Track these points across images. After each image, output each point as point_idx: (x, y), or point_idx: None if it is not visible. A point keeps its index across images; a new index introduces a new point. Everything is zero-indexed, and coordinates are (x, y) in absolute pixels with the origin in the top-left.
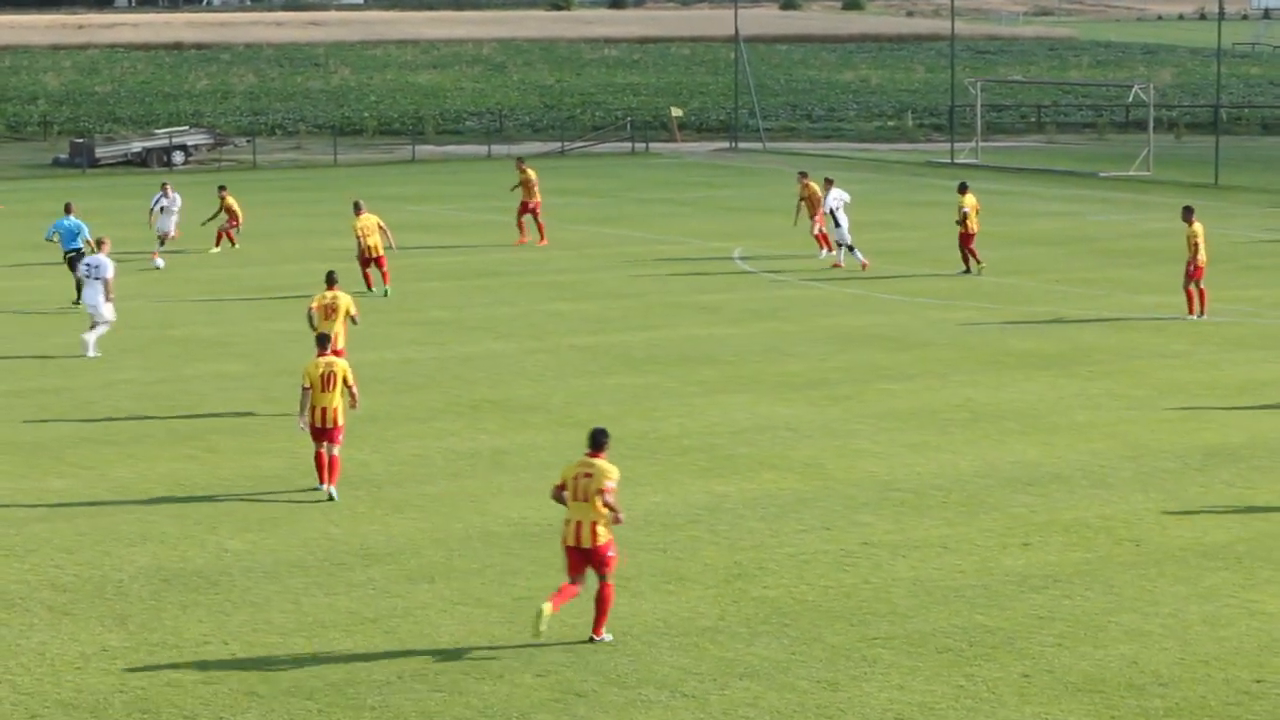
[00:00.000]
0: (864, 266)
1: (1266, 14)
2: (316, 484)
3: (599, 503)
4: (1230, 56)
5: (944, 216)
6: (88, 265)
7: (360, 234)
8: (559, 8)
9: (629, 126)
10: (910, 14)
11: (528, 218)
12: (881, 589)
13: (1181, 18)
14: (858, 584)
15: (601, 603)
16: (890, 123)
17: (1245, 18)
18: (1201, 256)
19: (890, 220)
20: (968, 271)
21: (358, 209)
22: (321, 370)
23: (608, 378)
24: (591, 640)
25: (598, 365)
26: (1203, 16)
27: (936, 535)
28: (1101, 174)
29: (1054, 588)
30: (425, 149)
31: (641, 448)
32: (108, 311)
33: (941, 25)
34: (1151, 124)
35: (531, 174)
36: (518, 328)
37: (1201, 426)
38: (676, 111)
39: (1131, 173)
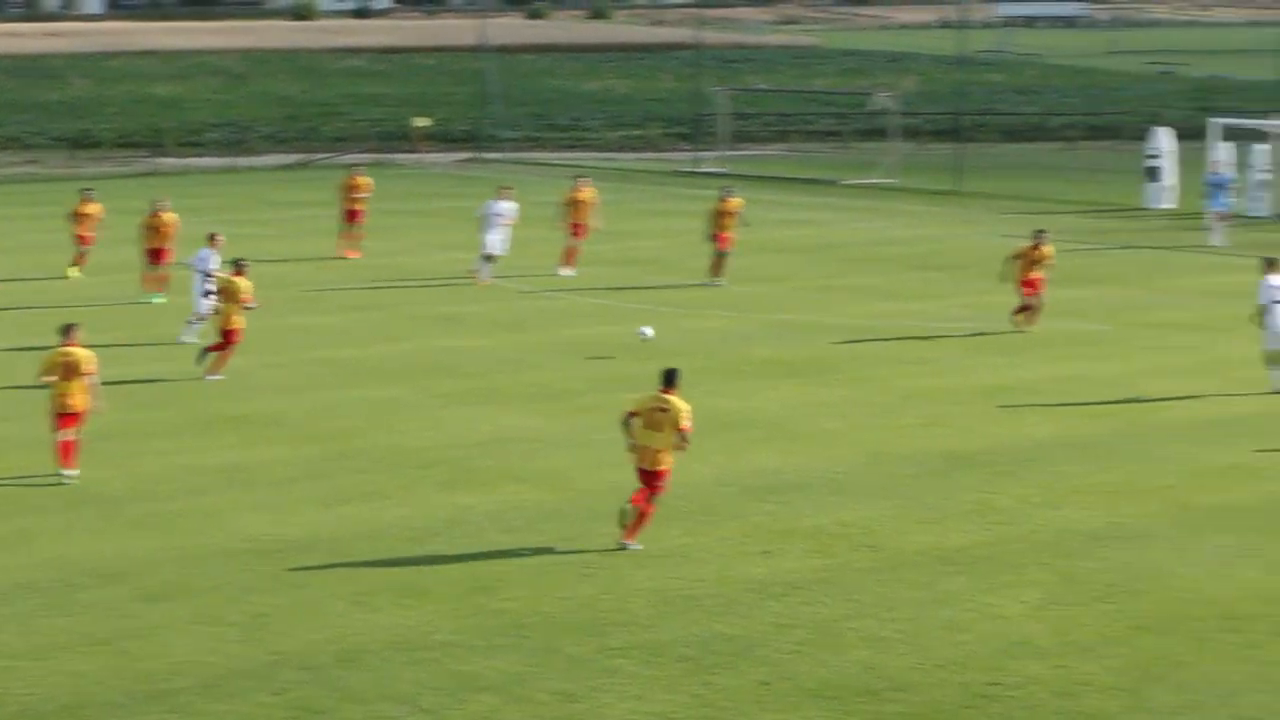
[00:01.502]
0: (480, 280)
1: (1009, 22)
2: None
3: (670, 434)
4: (973, 64)
5: (689, 225)
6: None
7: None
8: (302, 17)
9: (372, 137)
10: (657, 23)
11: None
12: (621, 599)
13: (925, 26)
14: (597, 595)
15: (642, 516)
16: (636, 132)
17: (988, 26)
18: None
19: (635, 229)
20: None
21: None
22: (61, 359)
23: (350, 391)
24: (622, 546)
25: (339, 379)
26: (946, 25)
27: (677, 545)
28: (845, 181)
29: (793, 595)
30: (166, 162)
31: (384, 461)
32: None
33: (688, 34)
34: (894, 132)
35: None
36: (257, 342)
37: (942, 432)
38: (422, 122)
39: (875, 180)
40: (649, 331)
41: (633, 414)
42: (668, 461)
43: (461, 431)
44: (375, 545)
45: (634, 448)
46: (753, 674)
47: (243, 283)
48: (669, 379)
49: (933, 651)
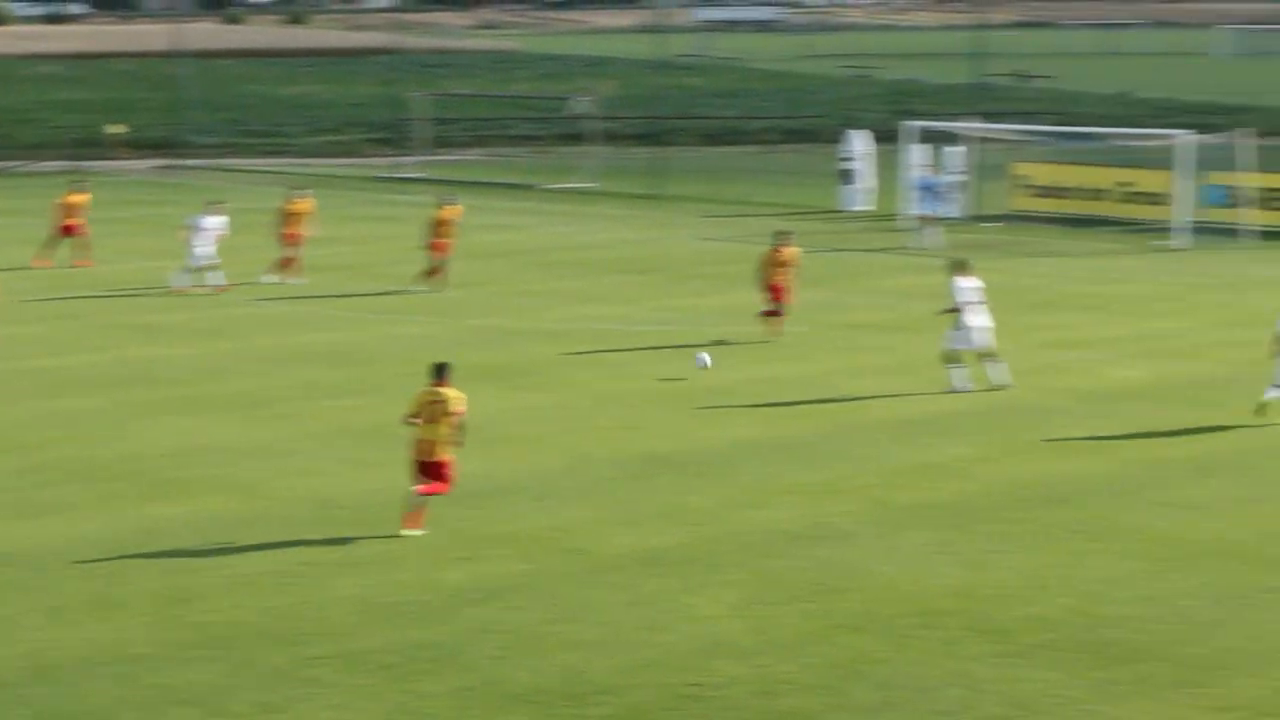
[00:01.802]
0: (181, 290)
1: (707, 26)
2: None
3: (446, 425)
4: (671, 68)
5: (391, 231)
6: None
7: None
8: None
9: (67, 144)
10: (355, 28)
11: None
12: (321, 608)
13: (624, 30)
14: (297, 604)
15: (434, 487)
16: (336, 137)
17: (686, 30)
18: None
19: (335, 235)
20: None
21: None
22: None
23: (45, 402)
24: (404, 533)
25: (35, 390)
26: (645, 29)
27: (378, 552)
28: (545, 186)
29: (495, 600)
30: None
31: (78, 473)
32: None
33: (387, 39)
34: (594, 136)
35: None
36: None
37: (642, 435)
38: (116, 128)
39: (575, 184)
40: (706, 359)
41: (412, 414)
42: (447, 452)
43: (158, 441)
44: (70, 558)
45: (414, 441)
46: (455, 680)
47: None
48: (440, 372)
49: (635, 653)
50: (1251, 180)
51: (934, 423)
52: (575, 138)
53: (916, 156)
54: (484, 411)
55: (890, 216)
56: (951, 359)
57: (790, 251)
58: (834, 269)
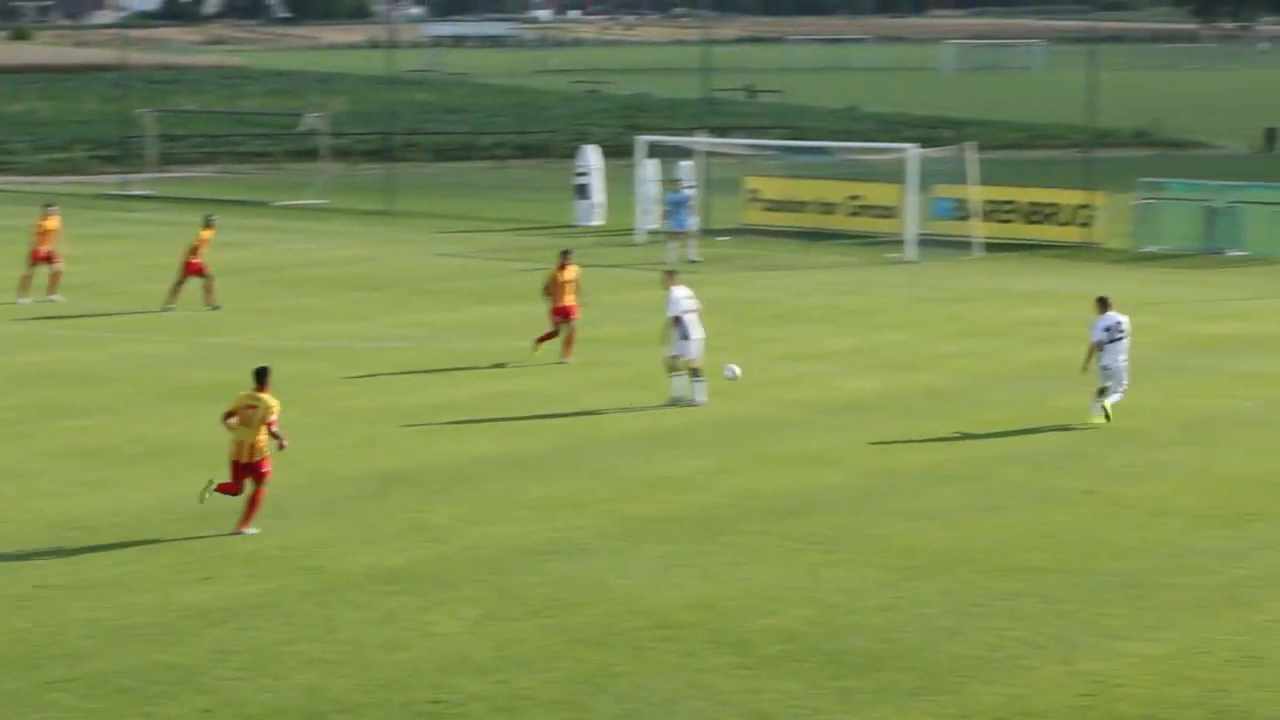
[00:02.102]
0: None
1: (437, 41)
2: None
3: (262, 429)
4: (402, 84)
5: (121, 249)
6: None
7: None
8: None
9: None
10: (81, 44)
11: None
12: (57, 631)
13: (354, 46)
14: (31, 628)
15: (253, 504)
16: (61, 155)
17: (417, 46)
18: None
19: (66, 254)
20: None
21: None
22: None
23: None
24: (238, 533)
25: None
26: (375, 45)
27: (114, 574)
28: (277, 203)
29: (233, 620)
30: None
31: None
32: None
33: (113, 55)
34: (325, 152)
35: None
36: None
37: (378, 452)
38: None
39: (307, 201)
40: (736, 369)
41: (230, 413)
42: (264, 453)
43: None
44: None
45: (233, 442)
46: (194, 702)
47: None
48: (260, 377)
49: (375, 672)
50: (978, 193)
51: (671, 436)
52: (307, 154)
53: (649, 171)
54: (220, 431)
55: (624, 231)
56: (672, 368)
57: (569, 271)
58: None
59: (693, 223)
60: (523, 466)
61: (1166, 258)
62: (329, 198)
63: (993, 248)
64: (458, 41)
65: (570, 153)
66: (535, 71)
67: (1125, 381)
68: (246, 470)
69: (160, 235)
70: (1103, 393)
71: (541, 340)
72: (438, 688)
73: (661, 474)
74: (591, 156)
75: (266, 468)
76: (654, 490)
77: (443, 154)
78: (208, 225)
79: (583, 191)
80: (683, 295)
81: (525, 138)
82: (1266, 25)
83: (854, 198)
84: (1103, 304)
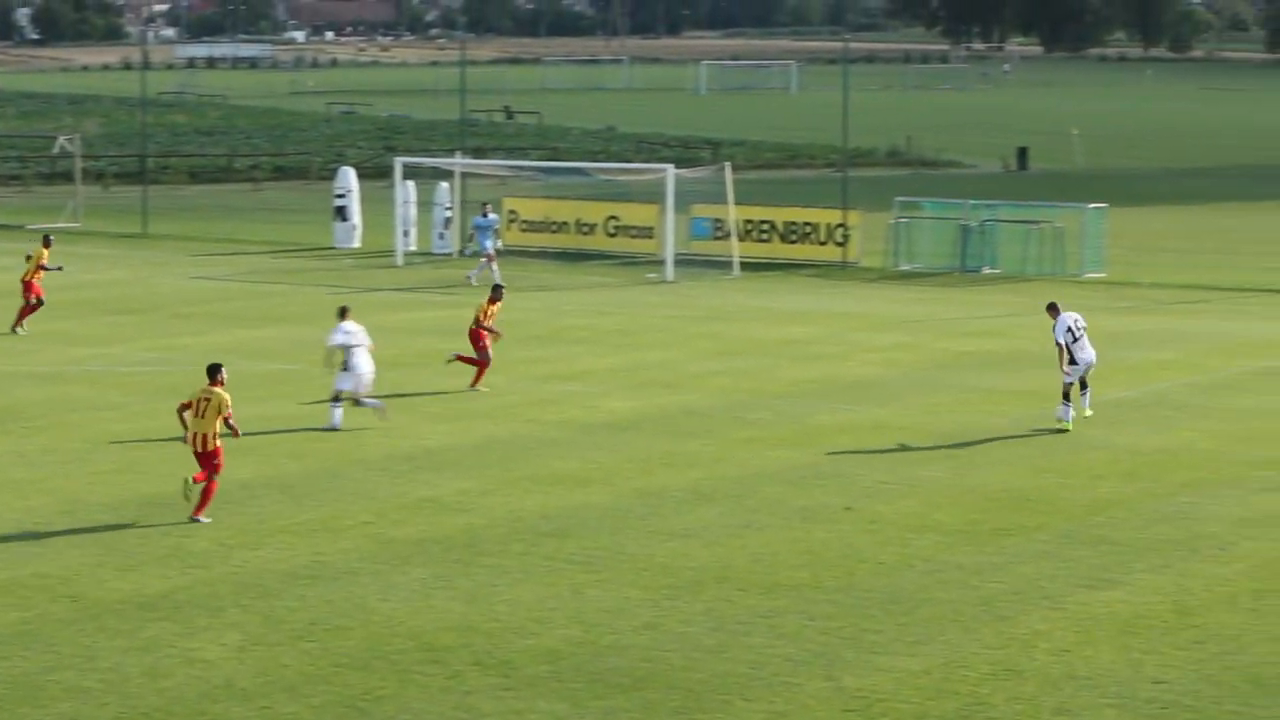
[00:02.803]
0: None
1: (191, 63)
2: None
3: (217, 420)
4: (156, 106)
5: None
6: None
7: None
8: None
9: None
10: None
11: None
12: None
13: (107, 68)
14: None
15: (206, 493)
16: None
17: (171, 67)
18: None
19: None
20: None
21: None
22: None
23: None
24: (193, 520)
25: None
26: (128, 66)
27: None
28: (31, 226)
29: None
30: None
31: None
32: None
33: None
34: (79, 174)
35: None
36: None
37: (137, 478)
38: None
39: (61, 224)
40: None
41: (184, 405)
42: (216, 443)
43: None
44: None
45: (189, 434)
46: None
47: None
48: (212, 373)
49: (137, 700)
50: (736, 213)
51: (433, 458)
52: (60, 176)
53: (407, 193)
54: None
55: (383, 253)
56: (337, 397)
57: (492, 307)
58: (326, 307)
59: (491, 246)
60: (284, 489)
61: (922, 276)
62: (83, 221)
63: (751, 267)
64: (212, 63)
65: (328, 175)
66: (291, 93)
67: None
68: (201, 460)
69: None
70: (1070, 396)
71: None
72: (202, 715)
73: (423, 496)
74: (349, 178)
75: (220, 459)
76: (416, 512)
77: (199, 176)
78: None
79: (341, 213)
80: (351, 329)
81: (282, 160)
82: (1016, 46)
83: (613, 218)
84: (1054, 309)
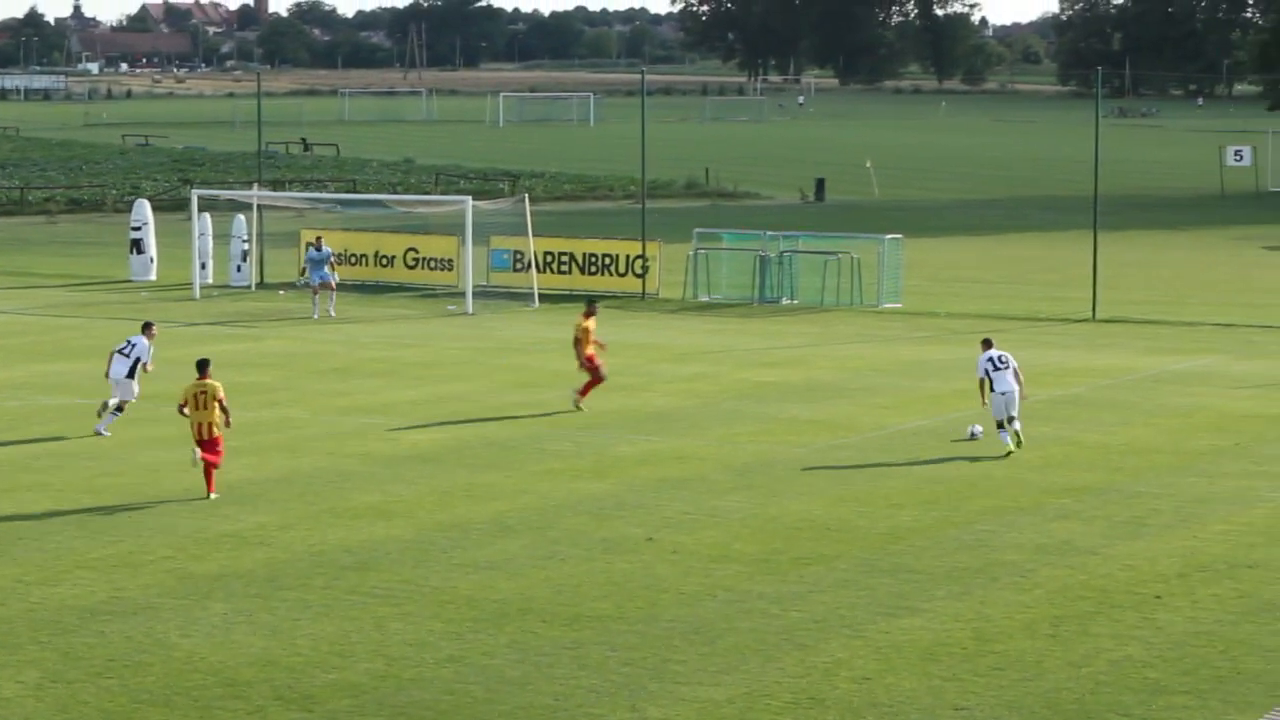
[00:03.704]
0: None
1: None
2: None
3: (215, 408)
4: None
5: None
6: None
7: None
8: None
9: None
10: None
11: None
12: None
13: None
14: None
15: (209, 473)
16: None
17: None
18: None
19: None
20: None
21: None
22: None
23: None
24: (208, 497)
25: None
26: None
27: None
28: None
29: None
30: None
31: None
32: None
33: None
34: None
35: None
36: None
37: None
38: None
39: None
40: (979, 430)
41: (183, 404)
42: (218, 430)
43: None
44: None
45: (193, 424)
46: None
47: None
48: (202, 367)
49: None
50: (534, 244)
51: (233, 491)
52: None
53: (203, 225)
54: None
55: (181, 285)
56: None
57: (588, 322)
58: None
59: (333, 278)
60: (81, 525)
61: (721, 307)
62: None
63: (551, 298)
64: (3, 94)
65: (124, 207)
66: (86, 125)
67: (1018, 406)
68: (204, 446)
69: None
70: (1008, 421)
71: (583, 393)
72: None
73: (223, 530)
74: (145, 210)
75: (220, 445)
76: (215, 547)
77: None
78: None
79: (138, 246)
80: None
81: (77, 192)
82: (813, 78)
83: (411, 250)
84: (986, 344)
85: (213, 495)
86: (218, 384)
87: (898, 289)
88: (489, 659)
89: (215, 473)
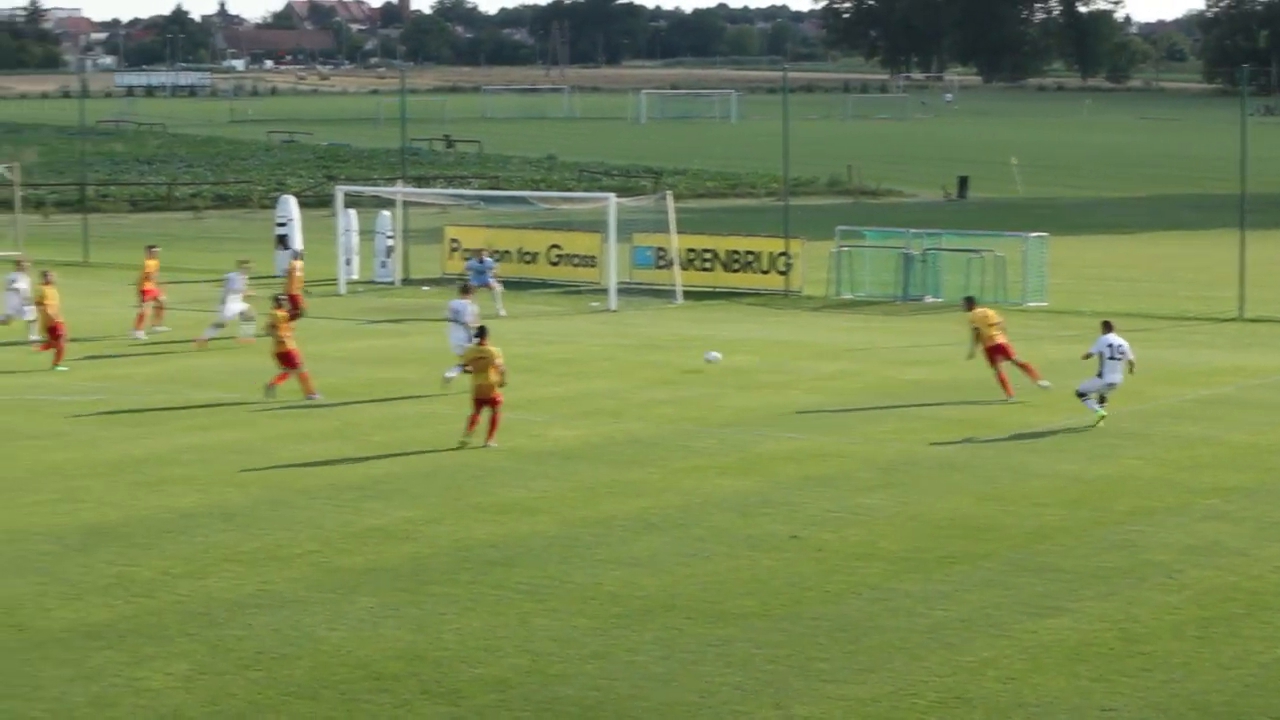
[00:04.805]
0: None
1: (130, 91)
2: (470, 440)
3: (494, 370)
4: (96, 134)
5: None
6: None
7: None
8: None
9: None
10: None
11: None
12: None
13: (46, 96)
14: None
15: (494, 422)
16: None
17: (110, 95)
18: (997, 337)
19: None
20: None
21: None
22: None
23: None
24: (486, 446)
25: None
26: (67, 95)
27: None
28: None
29: None
30: None
31: None
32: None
33: None
34: (19, 203)
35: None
36: None
37: (78, 507)
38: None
39: (2, 253)
40: (716, 355)
41: (465, 365)
42: (498, 391)
43: None
44: None
45: (473, 385)
46: None
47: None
48: (482, 334)
49: None
50: (677, 242)
51: (378, 486)
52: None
53: (349, 222)
54: None
55: (326, 281)
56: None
57: None
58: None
59: (494, 282)
60: (228, 519)
61: (864, 304)
62: (23, 249)
63: (694, 295)
64: (151, 91)
65: (269, 203)
66: (231, 121)
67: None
68: (485, 403)
69: None
70: (1100, 401)
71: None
72: None
73: (369, 525)
74: (291, 206)
75: (499, 404)
76: (362, 541)
77: (139, 205)
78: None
79: (283, 241)
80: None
81: (223, 188)
82: (955, 76)
83: (555, 247)
84: (1106, 326)
85: (493, 444)
86: (496, 350)
87: (1042, 287)
88: (634, 655)
89: (497, 420)
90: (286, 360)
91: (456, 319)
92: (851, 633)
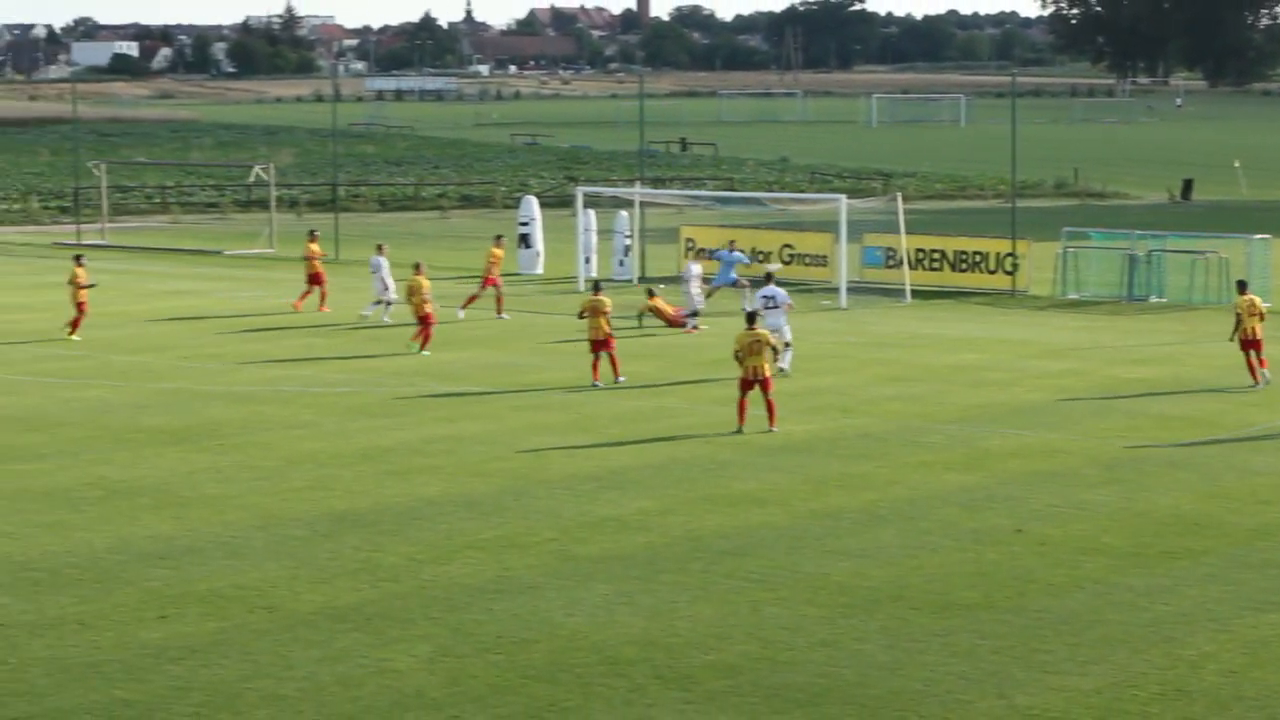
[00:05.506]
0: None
1: (380, 95)
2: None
3: (767, 353)
4: (346, 136)
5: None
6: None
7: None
8: None
9: None
10: (33, 98)
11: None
12: (18, 670)
13: (300, 100)
14: None
15: (771, 408)
16: (15, 206)
17: (360, 99)
18: (1254, 328)
19: (18, 303)
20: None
21: None
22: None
23: None
24: (769, 430)
25: None
26: (320, 98)
27: (73, 613)
28: (229, 252)
29: (191, 658)
30: None
31: None
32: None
33: (64, 109)
34: (273, 202)
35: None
36: None
37: (329, 494)
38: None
39: (257, 250)
40: (786, 366)
41: (738, 350)
42: (768, 371)
43: None
44: None
45: (744, 367)
46: None
47: None
48: (750, 319)
49: (331, 708)
50: (906, 242)
51: (614, 477)
52: (254, 204)
53: (588, 221)
54: (171, 473)
55: (566, 279)
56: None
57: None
58: (509, 330)
59: (736, 279)
60: (471, 507)
61: (1089, 304)
62: (277, 246)
63: (922, 295)
64: (399, 95)
65: (512, 203)
66: (476, 124)
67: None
68: (754, 385)
69: (112, 284)
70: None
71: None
72: None
73: (605, 514)
74: (533, 207)
75: (771, 384)
76: (598, 530)
77: (387, 204)
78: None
79: (525, 241)
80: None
81: (468, 188)
82: (1181, 80)
83: (787, 246)
84: (1241, 286)
85: (774, 429)
86: (766, 333)
87: (1267, 288)
88: (860, 644)
89: (773, 405)
90: (424, 321)
91: (768, 306)
92: (1074, 625)
